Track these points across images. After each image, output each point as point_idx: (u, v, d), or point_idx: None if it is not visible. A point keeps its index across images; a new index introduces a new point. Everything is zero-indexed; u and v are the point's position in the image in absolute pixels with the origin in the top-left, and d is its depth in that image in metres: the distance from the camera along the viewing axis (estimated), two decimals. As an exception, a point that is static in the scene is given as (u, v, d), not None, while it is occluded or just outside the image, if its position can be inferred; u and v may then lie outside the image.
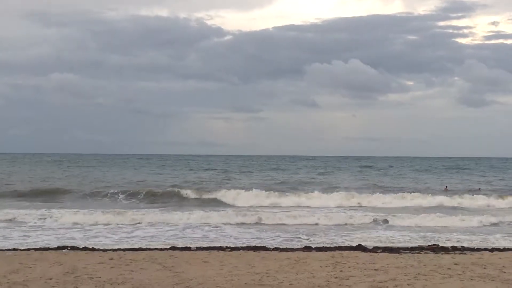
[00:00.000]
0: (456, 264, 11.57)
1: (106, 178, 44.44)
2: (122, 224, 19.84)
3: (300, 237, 17.17)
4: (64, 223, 19.85)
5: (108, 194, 30.77)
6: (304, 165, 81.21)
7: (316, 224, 20.31)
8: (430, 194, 30.62)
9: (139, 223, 20.06)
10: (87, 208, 24.46)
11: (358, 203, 27.92)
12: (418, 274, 10.42)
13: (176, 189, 32.14)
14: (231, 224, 20.04)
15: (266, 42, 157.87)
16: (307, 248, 14.31)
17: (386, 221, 20.68)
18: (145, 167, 70.60)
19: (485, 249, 14.23)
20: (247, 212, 22.34)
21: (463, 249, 14.18)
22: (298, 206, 26.62)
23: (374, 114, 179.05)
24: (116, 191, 31.45)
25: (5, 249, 13.94)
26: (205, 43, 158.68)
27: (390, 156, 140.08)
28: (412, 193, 31.03)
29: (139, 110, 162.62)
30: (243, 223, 20.28)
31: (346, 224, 20.34)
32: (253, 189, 31.89)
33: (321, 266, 11.17)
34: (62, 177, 45.87)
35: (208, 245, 15.09)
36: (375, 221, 20.85)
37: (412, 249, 14.08)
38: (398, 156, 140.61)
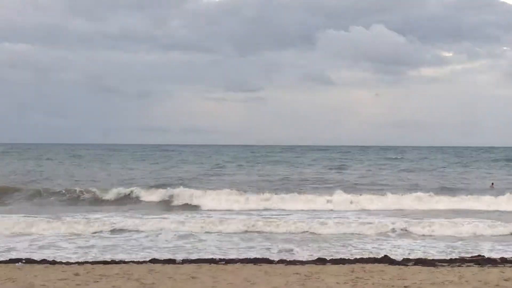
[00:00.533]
0: (506, 279, 11.74)
1: (61, 175, 44.49)
2: (77, 231, 20.09)
3: (297, 248, 17.26)
4: (2, 230, 20.01)
5: (63, 194, 30.99)
6: (315, 157, 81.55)
7: (315, 232, 20.46)
8: (470, 194, 30.86)
9: (97, 230, 20.33)
10: (34, 211, 24.66)
11: (378, 205, 28.27)
12: (459, 292, 10.65)
13: (145, 189, 32.21)
14: (212, 232, 20.26)
15: (269, 3, 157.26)
16: (321, 261, 14.54)
17: (409, 228, 20.89)
18: (114, 159, 70.72)
19: (543, 262, 14.44)
20: (236, 217, 22.68)
21: (514, 262, 14.36)
22: (301, 210, 26.81)
23: (402, 93, 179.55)
24: (70, 190, 31.59)
25: None
26: (191, 5, 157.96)
27: (422, 145, 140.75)
28: (449, 193, 31.29)
29: (110, 89, 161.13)
30: (227, 232, 20.39)
31: (358, 233, 20.38)
32: (244, 189, 32.21)
33: (337, 283, 11.31)
34: (6, 172, 45.94)
35: (189, 257, 15.34)
36: (400, 228, 21.02)
37: (451, 262, 14.28)
38: (433, 146, 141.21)
